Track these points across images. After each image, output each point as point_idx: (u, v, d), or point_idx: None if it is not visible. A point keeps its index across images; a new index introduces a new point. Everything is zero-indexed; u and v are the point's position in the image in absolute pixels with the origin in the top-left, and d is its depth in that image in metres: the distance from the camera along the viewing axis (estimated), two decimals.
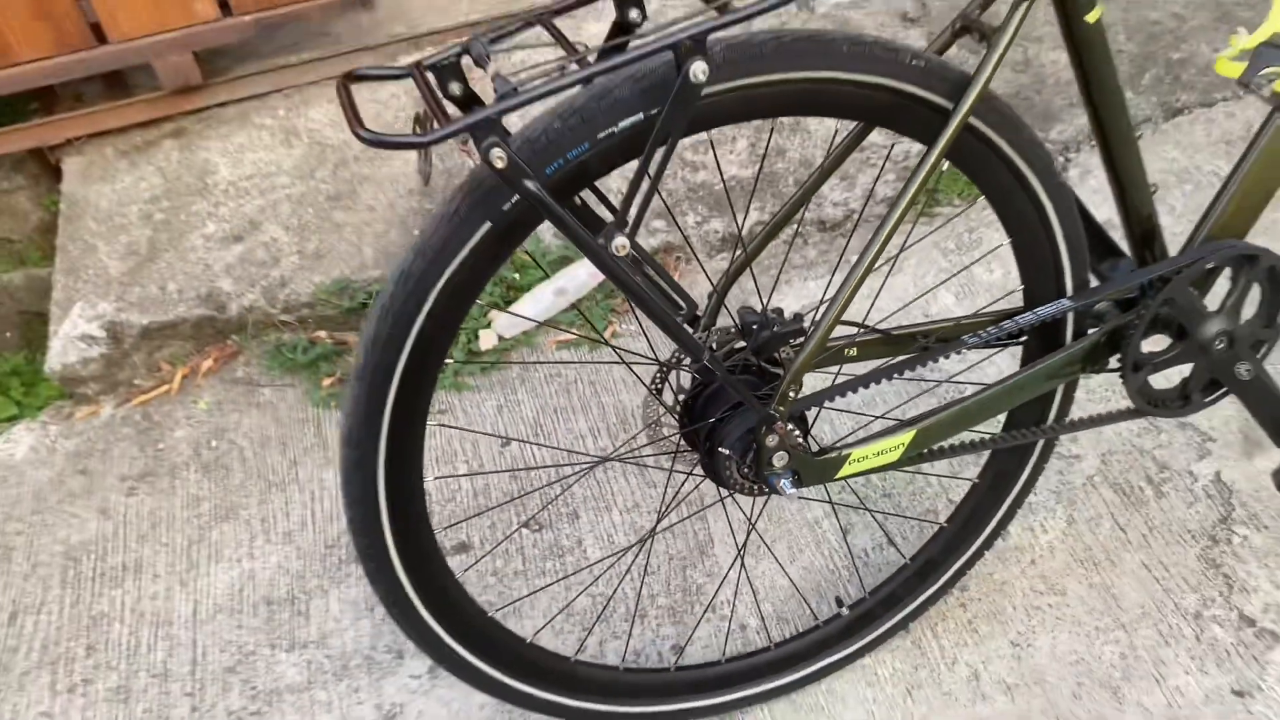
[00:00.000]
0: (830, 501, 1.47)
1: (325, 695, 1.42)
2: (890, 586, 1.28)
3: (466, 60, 0.86)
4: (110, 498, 1.77)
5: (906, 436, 1.05)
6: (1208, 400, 1.19)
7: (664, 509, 1.45)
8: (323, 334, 1.96)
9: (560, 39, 0.84)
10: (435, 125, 0.78)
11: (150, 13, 2.13)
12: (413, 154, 1.93)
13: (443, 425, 1.71)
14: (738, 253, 1.22)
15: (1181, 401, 1.19)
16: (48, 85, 2.19)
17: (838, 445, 1.04)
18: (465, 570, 1.49)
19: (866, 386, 1.05)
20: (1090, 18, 0.97)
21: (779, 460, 1.01)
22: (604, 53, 0.84)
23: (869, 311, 1.60)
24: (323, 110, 2.25)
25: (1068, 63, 1.07)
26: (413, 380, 0.91)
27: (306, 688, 1.43)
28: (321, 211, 2.07)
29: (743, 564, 1.41)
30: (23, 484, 1.83)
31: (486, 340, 1.80)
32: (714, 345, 1.07)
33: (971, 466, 1.27)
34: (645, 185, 0.85)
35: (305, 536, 1.64)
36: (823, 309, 0.98)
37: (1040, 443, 1.22)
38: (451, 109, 0.85)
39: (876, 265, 0.96)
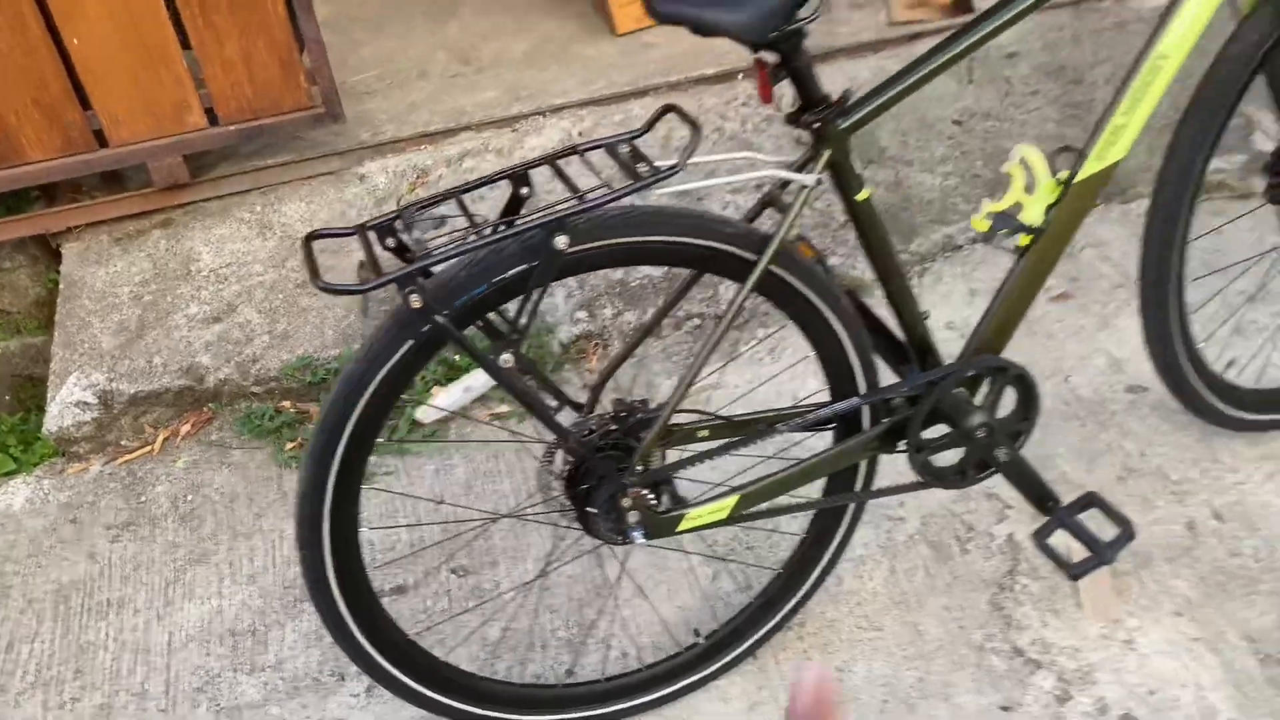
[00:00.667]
0: (683, 550, 1.79)
1: (279, 711, 1.70)
2: (739, 621, 1.60)
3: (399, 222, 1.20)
4: (97, 543, 2.05)
5: (732, 500, 1.38)
6: (980, 477, 1.53)
7: (551, 557, 1.76)
8: (288, 404, 2.27)
9: (465, 212, 1.18)
10: (372, 276, 1.11)
11: (147, 123, 2.46)
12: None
13: (385, 489, 2.02)
14: (611, 354, 1.55)
15: (960, 477, 1.53)
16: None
17: (678, 506, 1.37)
18: (401, 606, 1.79)
19: (700, 462, 1.38)
20: (860, 197, 1.32)
21: (632, 517, 1.33)
22: (498, 225, 1.17)
23: (712, 397, 1.93)
24: (294, 207, 2.59)
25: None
26: (353, 455, 1.23)
27: (263, 704, 1.72)
28: (290, 297, 2.39)
29: (616, 601, 1.72)
30: (20, 531, 2.11)
31: (424, 415, 2.13)
32: (592, 428, 1.39)
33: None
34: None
35: (267, 578, 1.93)
36: (666, 402, 1.31)
37: (851, 506, 1.55)
38: (388, 258, 1.18)
39: (707, 373, 1.30)
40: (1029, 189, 1.42)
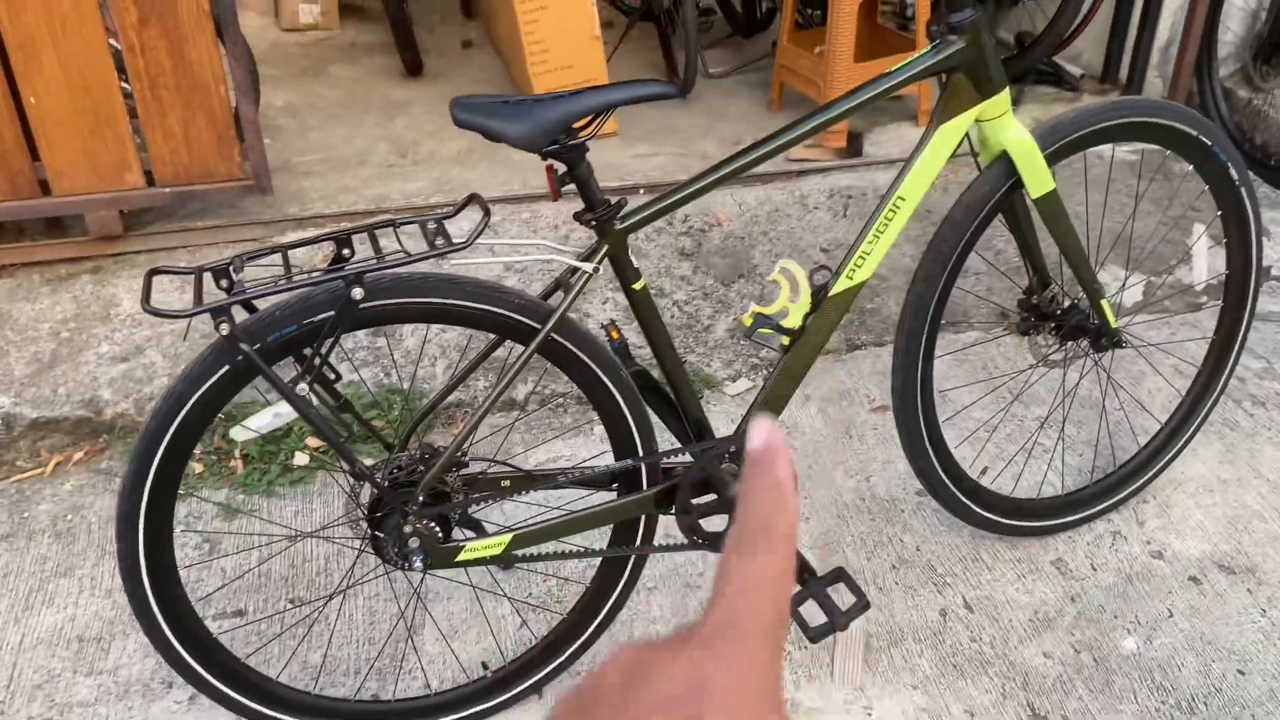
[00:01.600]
0: (473, 586, 1.98)
1: (106, 710, 1.85)
2: (524, 659, 1.77)
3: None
4: None
5: (507, 538, 1.58)
6: None
7: (345, 581, 1.94)
8: None
9: (286, 264, 1.41)
10: (194, 306, 1.34)
11: (89, 178, 2.71)
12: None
13: (202, 498, 2.20)
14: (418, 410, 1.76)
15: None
16: None
17: (458, 539, 1.57)
18: (237, 629, 1.96)
19: (481, 505, 1.58)
20: (636, 287, 1.56)
21: (413, 544, 1.53)
22: (324, 271, 1.40)
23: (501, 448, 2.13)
24: None
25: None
26: (169, 461, 1.43)
27: (93, 704, 1.86)
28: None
29: (408, 630, 1.90)
30: None
31: (238, 434, 2.30)
32: (400, 465, 1.60)
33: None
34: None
35: (122, 594, 2.08)
36: (451, 444, 1.52)
37: (631, 561, 1.75)
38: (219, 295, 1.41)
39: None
40: (793, 298, 1.67)
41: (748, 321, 1.66)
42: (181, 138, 2.74)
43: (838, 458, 2.27)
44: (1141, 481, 2.05)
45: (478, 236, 1.42)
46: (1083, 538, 2.02)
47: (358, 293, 1.37)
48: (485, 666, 1.79)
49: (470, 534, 1.64)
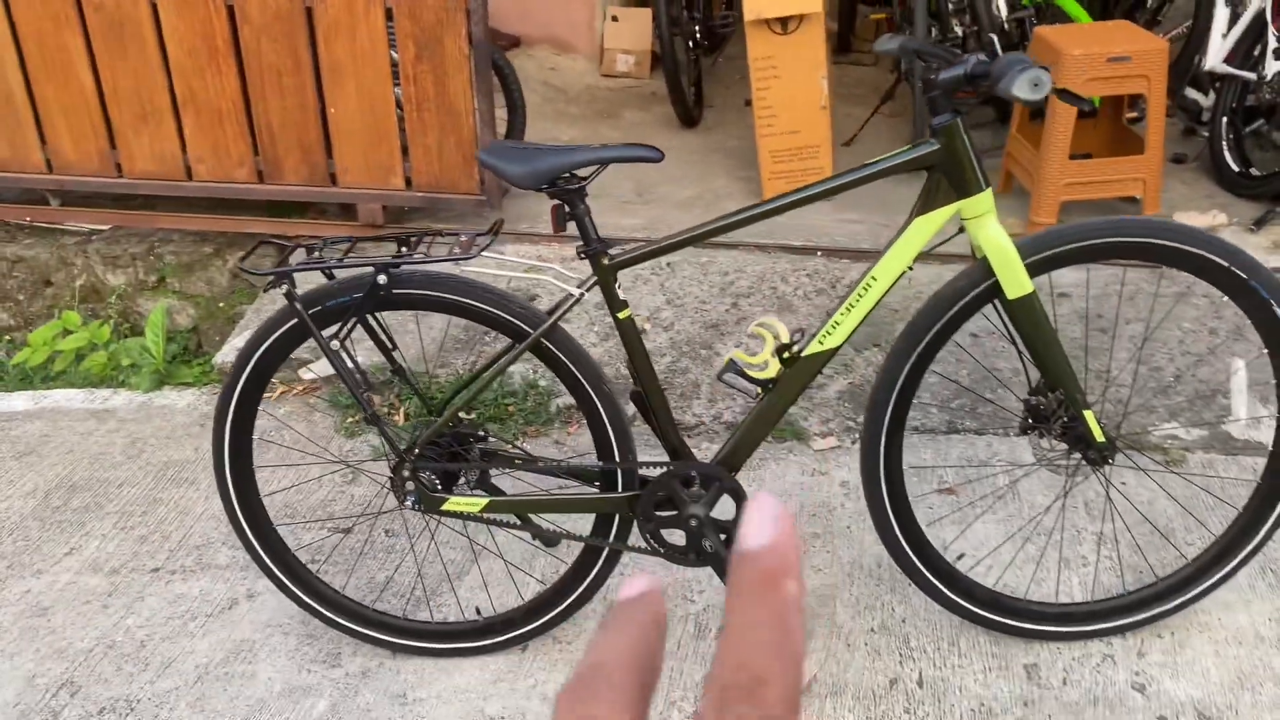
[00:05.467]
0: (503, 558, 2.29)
1: None
2: (512, 614, 2.09)
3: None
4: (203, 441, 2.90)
5: (483, 501, 1.91)
6: (703, 562, 1.93)
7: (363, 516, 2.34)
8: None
9: (350, 249, 1.85)
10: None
11: (365, 176, 3.40)
12: None
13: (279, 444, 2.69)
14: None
15: (682, 555, 1.93)
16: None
17: (445, 492, 1.92)
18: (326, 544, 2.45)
19: (463, 469, 1.92)
20: (621, 316, 1.83)
21: (409, 487, 1.91)
22: (370, 260, 1.83)
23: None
24: None
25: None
26: (247, 397, 1.91)
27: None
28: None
29: (418, 568, 2.26)
30: (174, 419, 3.02)
31: (305, 374, 2.80)
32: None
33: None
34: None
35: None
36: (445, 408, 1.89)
37: (604, 554, 2.00)
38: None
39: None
40: (776, 352, 1.86)
41: (726, 361, 1.87)
42: (436, 154, 3.35)
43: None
44: (1144, 616, 1.95)
45: (480, 252, 1.78)
46: (1071, 651, 1.97)
47: (382, 279, 1.78)
48: (479, 611, 2.13)
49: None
